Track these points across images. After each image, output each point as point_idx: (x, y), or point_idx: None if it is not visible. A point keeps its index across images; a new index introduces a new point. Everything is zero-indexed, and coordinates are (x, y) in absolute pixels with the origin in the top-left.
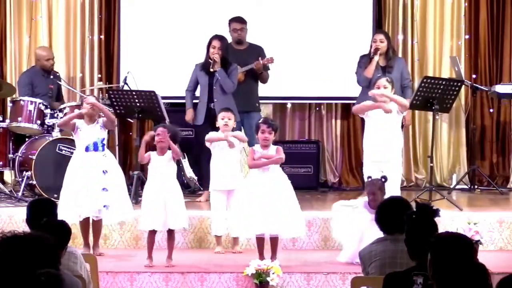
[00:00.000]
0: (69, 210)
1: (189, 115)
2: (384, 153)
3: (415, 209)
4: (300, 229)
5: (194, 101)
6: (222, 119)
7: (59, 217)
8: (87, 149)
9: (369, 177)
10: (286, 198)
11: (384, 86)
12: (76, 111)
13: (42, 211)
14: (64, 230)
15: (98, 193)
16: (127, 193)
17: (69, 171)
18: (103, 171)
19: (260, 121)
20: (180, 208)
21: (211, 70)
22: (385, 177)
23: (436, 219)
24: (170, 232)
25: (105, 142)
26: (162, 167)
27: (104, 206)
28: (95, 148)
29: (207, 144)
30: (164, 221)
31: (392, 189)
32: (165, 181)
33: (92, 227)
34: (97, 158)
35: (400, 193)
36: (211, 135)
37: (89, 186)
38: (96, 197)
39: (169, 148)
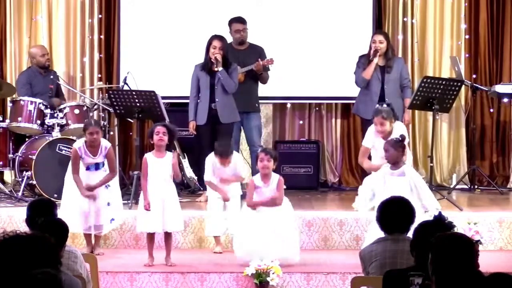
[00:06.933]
0: (75, 223)
1: (191, 127)
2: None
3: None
4: (294, 256)
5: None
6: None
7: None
8: (88, 168)
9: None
10: (285, 224)
11: (381, 124)
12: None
13: (42, 211)
14: (61, 228)
15: (104, 209)
16: (122, 203)
17: (70, 182)
18: (106, 186)
19: (258, 150)
20: (176, 211)
21: (215, 69)
22: (402, 136)
23: None
24: (168, 234)
25: (105, 162)
26: (159, 169)
27: (112, 220)
28: (96, 168)
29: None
30: (161, 223)
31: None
32: (162, 184)
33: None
34: (99, 174)
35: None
36: (211, 185)
37: (95, 202)
38: (102, 212)
39: (168, 149)
